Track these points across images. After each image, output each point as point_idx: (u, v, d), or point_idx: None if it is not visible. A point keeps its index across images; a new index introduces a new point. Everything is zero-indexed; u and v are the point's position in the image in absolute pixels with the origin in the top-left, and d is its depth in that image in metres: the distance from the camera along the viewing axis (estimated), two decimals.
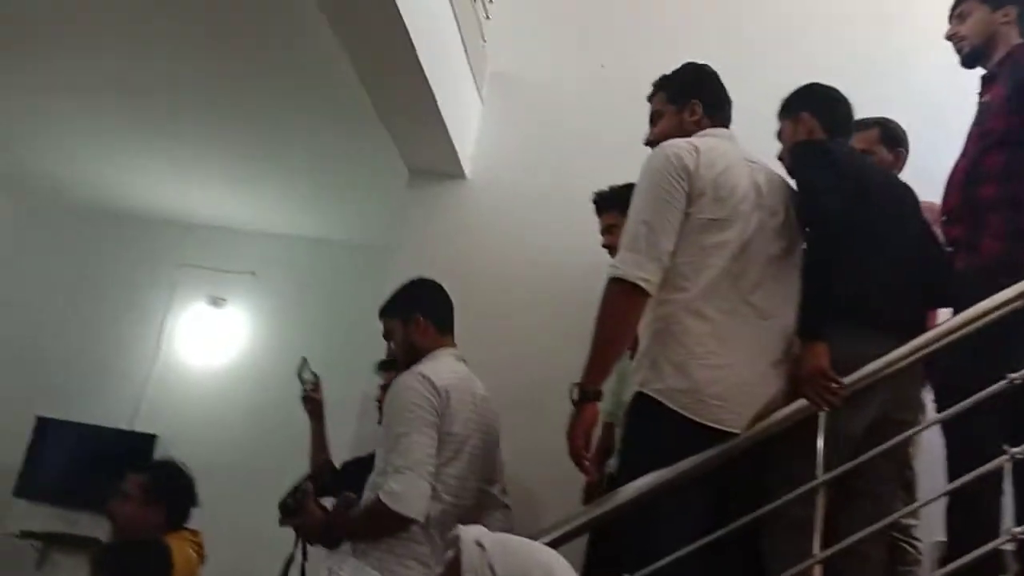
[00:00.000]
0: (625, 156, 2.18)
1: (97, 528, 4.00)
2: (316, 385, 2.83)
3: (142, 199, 5.16)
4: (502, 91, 3.52)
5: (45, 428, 4.97)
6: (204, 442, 4.49)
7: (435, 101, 2.88)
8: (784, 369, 1.84)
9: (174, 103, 3.95)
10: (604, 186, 2.62)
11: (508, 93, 3.52)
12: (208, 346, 5.21)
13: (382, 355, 2.52)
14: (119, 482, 2.39)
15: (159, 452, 4.76)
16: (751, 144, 2.08)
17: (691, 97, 2.07)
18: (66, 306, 5.32)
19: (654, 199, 1.86)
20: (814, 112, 2.10)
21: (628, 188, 1.99)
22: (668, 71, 2.17)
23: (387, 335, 2.32)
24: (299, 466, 2.75)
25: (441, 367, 2.13)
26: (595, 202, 2.63)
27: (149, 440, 4.91)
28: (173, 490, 2.43)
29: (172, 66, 3.60)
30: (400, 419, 2.01)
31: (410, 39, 2.54)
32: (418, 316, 2.23)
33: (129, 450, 4.82)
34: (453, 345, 2.27)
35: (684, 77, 2.13)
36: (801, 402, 1.77)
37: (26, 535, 4.69)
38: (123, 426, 5.00)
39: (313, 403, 2.82)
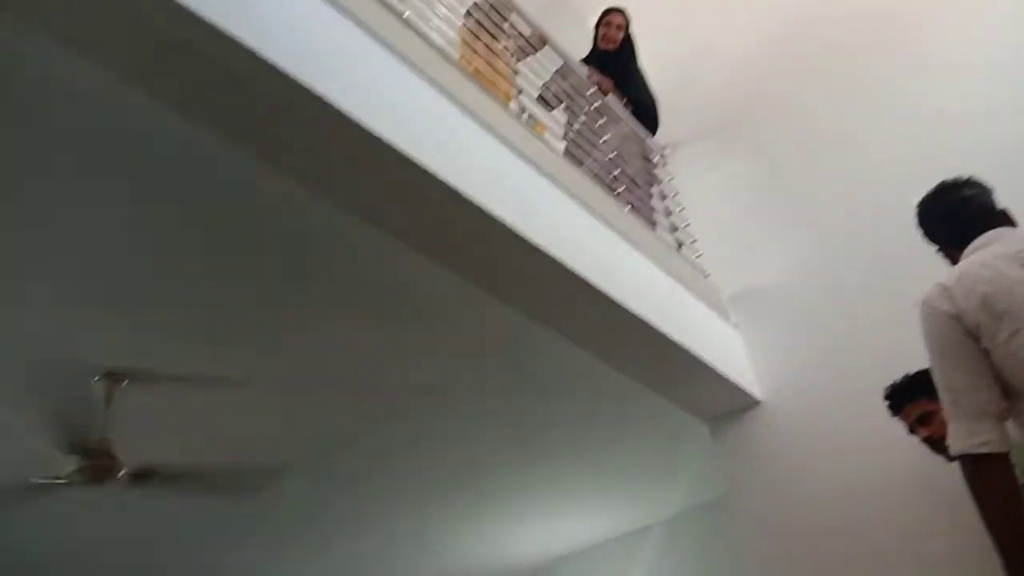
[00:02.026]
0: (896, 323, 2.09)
1: None
2: None
3: (511, 557, 5.54)
4: (747, 309, 3.55)
5: None
6: None
7: (699, 359, 2.97)
8: None
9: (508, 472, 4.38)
10: (884, 360, 2.46)
11: (753, 308, 3.54)
12: None
13: None
14: None
15: None
16: None
17: (932, 242, 2.00)
18: None
19: (943, 359, 1.73)
20: None
21: (925, 372, 1.86)
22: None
23: None
24: None
25: None
26: (890, 398, 2.42)
27: None
28: None
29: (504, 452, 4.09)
30: None
31: (648, 324, 2.72)
32: None
33: None
34: None
35: (920, 225, 2.08)
36: None
37: None
38: None
39: None
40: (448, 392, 3.56)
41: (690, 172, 4.02)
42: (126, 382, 3.19)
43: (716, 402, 3.30)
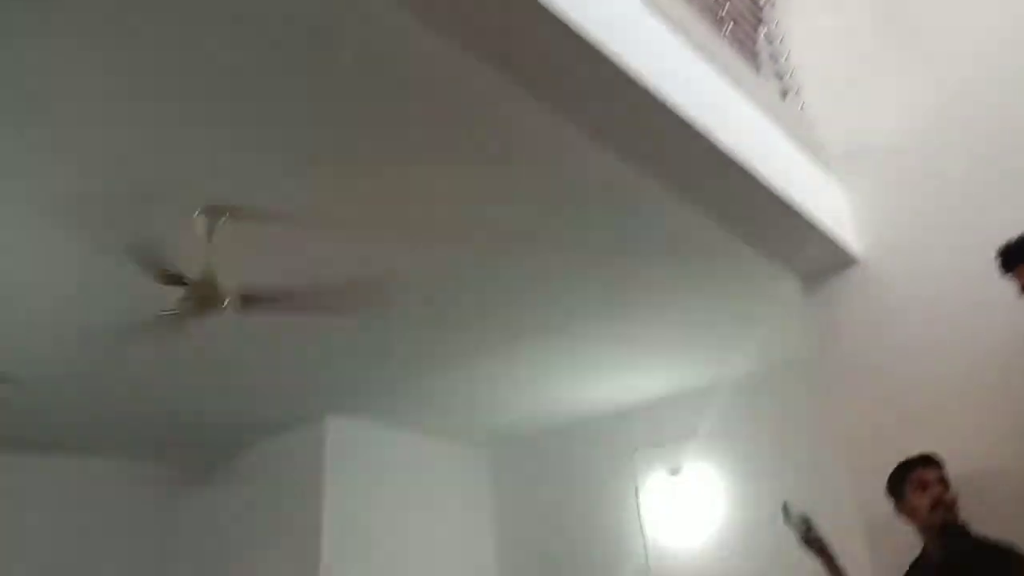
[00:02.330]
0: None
1: None
2: (809, 525, 2.72)
3: (584, 404, 5.69)
4: (854, 164, 3.35)
5: None
6: None
7: (797, 210, 2.86)
8: None
9: (578, 318, 4.37)
10: (999, 223, 2.30)
11: (861, 163, 3.34)
12: (685, 518, 5.28)
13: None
14: None
15: None
16: None
17: None
18: (553, 518, 5.90)
19: None
20: None
21: None
22: None
23: None
24: None
25: None
26: (1004, 255, 2.26)
27: None
28: None
29: (568, 292, 4.07)
30: None
31: (748, 170, 2.61)
32: None
33: None
34: None
35: None
36: None
37: None
38: None
39: (815, 543, 2.70)
40: (541, 239, 3.54)
41: (802, 14, 3.72)
42: (226, 217, 3.28)
43: (812, 257, 3.19)
